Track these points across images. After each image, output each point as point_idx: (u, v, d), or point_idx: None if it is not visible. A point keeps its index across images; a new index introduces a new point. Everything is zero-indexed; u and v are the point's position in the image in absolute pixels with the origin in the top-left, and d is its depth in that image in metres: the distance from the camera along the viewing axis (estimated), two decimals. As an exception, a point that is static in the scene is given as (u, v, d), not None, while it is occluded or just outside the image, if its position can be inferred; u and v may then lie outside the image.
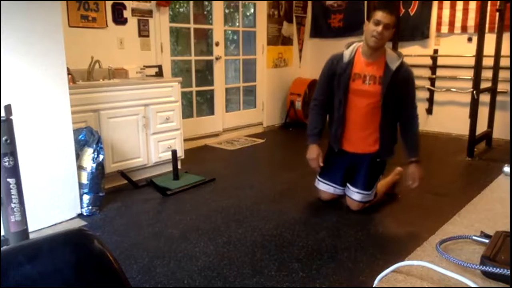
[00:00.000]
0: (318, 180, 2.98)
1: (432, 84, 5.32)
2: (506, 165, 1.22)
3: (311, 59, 6.12)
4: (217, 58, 5.01)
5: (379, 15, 2.56)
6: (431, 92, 5.35)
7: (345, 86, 2.72)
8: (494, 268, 0.72)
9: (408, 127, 2.79)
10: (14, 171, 2.08)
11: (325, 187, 2.95)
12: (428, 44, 5.29)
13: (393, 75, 2.63)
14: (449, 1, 5.03)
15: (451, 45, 5.11)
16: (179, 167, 3.71)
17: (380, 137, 2.78)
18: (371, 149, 2.82)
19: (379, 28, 2.55)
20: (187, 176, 3.60)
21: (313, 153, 2.87)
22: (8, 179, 2.07)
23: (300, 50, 6.13)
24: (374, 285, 0.76)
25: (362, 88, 2.70)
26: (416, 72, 5.36)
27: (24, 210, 2.14)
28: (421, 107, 5.42)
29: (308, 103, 5.83)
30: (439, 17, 5.13)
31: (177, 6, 4.80)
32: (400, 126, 2.82)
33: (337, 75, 2.74)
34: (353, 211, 2.83)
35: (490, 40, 4.23)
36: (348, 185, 2.86)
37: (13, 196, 2.09)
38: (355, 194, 2.80)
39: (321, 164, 2.87)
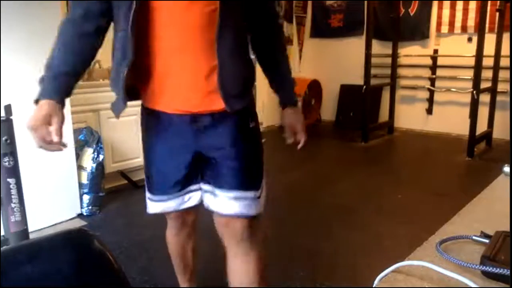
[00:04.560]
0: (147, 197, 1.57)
1: (432, 84, 5.32)
2: (506, 165, 1.22)
3: (311, 59, 6.11)
4: (217, 58, 4.98)
5: None
6: (431, 92, 5.35)
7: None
8: (494, 268, 0.72)
9: (269, 42, 1.51)
10: (14, 171, 2.08)
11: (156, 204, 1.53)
12: (428, 44, 5.30)
13: None
14: (449, 1, 5.03)
15: (451, 45, 5.11)
16: (179, 167, 3.70)
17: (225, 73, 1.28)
18: (218, 104, 1.31)
19: None
20: (187, 176, 3.59)
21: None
22: (8, 179, 2.07)
23: (300, 50, 6.13)
24: (374, 285, 0.76)
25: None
26: (416, 72, 5.44)
27: (24, 210, 2.14)
28: (421, 107, 5.46)
29: (309, 103, 5.86)
30: (439, 17, 5.13)
31: (177, 6, 4.80)
32: (258, 44, 1.49)
33: None
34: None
35: (490, 40, 4.23)
36: (207, 189, 1.42)
37: (13, 196, 2.09)
38: (226, 204, 1.38)
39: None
